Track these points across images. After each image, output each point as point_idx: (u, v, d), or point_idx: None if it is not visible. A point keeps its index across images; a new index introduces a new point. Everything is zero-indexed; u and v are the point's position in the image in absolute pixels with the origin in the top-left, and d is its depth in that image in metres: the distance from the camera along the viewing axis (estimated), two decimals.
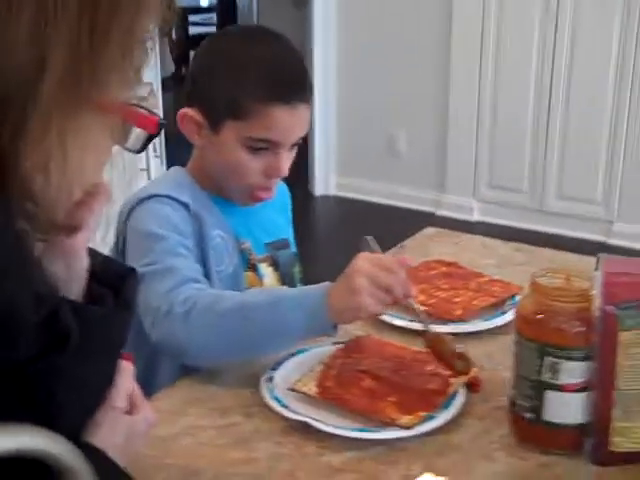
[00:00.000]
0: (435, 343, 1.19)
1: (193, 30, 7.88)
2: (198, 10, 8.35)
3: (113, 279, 0.86)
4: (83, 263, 0.83)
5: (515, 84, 4.23)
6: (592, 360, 1.00)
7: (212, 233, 1.34)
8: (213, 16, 7.95)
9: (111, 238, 1.37)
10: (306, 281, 1.47)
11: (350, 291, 1.12)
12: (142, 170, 2.93)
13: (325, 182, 5.02)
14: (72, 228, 0.77)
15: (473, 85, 4.36)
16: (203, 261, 1.31)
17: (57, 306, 0.73)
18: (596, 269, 1.00)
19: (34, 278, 0.70)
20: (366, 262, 1.14)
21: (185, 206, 1.31)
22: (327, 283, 1.17)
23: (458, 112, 4.44)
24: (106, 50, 0.68)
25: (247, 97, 1.28)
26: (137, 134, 0.81)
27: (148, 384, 1.17)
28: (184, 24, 7.82)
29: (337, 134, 4.94)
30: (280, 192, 1.50)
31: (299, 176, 5.07)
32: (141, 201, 1.31)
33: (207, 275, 1.30)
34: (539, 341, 1.02)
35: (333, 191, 5.03)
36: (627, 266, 1.05)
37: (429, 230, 1.80)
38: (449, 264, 1.54)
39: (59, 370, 0.80)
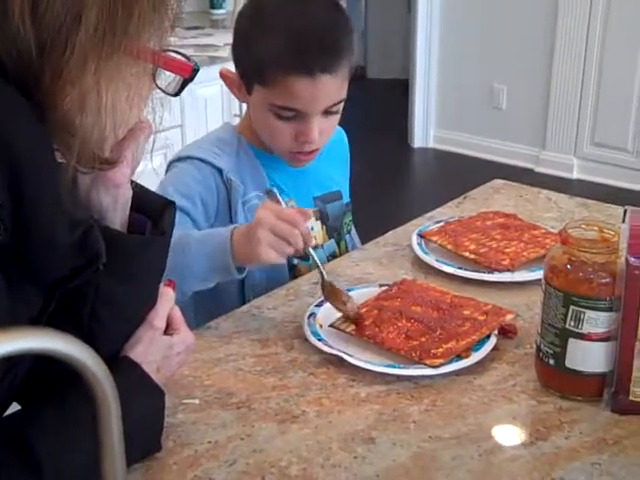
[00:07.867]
0: (329, 290, 1.24)
1: None
2: None
3: (153, 209, 0.94)
4: (127, 195, 0.91)
5: (623, 41, 4.11)
6: (616, 311, 1.02)
7: (249, 195, 1.37)
8: None
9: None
10: None
11: (252, 240, 1.16)
12: (235, 116, 3.02)
13: (424, 134, 5.01)
14: (111, 162, 0.85)
15: (579, 41, 4.25)
16: (232, 223, 1.33)
17: (89, 229, 0.81)
18: (623, 221, 1.01)
19: (68, 204, 0.79)
20: (269, 213, 1.16)
21: (219, 171, 1.35)
22: (234, 226, 1.21)
23: (562, 67, 4.35)
24: (137, 7, 0.76)
25: (270, 65, 1.27)
26: (177, 79, 0.88)
27: None
28: None
29: (438, 87, 4.91)
30: (338, 143, 1.52)
31: (398, 128, 5.08)
32: (178, 160, 1.35)
33: None
34: (565, 290, 1.04)
35: (432, 144, 5.02)
36: None
37: (496, 182, 1.81)
38: (507, 215, 1.55)
39: (101, 292, 0.88)
